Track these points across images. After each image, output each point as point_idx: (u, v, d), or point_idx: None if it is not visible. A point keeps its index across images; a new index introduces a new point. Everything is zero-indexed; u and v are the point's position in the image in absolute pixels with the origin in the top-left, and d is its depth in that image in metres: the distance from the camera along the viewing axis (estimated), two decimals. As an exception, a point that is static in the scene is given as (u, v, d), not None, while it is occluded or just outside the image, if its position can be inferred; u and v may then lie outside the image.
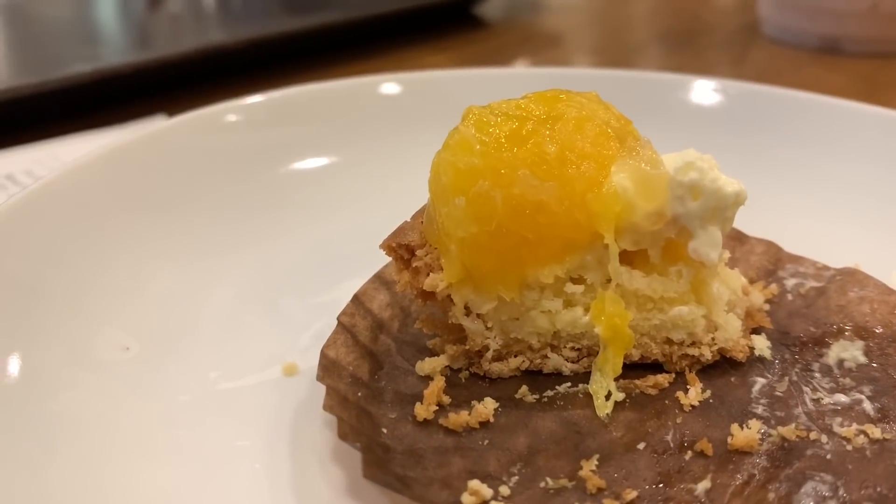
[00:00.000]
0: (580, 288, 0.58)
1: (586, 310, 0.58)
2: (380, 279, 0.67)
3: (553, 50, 1.51)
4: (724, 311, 0.59)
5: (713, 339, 0.59)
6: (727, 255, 0.62)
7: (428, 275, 0.57)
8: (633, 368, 0.59)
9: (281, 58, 1.36)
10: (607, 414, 0.55)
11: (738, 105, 0.95)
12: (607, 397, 0.56)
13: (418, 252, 0.58)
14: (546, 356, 0.60)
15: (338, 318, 0.61)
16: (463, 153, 0.55)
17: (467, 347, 0.59)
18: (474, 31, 1.59)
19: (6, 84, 1.09)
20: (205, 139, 0.88)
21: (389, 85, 1.00)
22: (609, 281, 0.57)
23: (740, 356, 0.59)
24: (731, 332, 0.59)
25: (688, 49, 1.45)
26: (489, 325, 0.59)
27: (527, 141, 0.55)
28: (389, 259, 0.60)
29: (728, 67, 1.37)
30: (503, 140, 0.55)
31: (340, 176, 0.89)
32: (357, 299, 0.64)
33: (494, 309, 0.58)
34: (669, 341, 0.59)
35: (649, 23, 1.74)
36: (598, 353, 0.58)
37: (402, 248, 0.58)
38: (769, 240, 0.72)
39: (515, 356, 0.60)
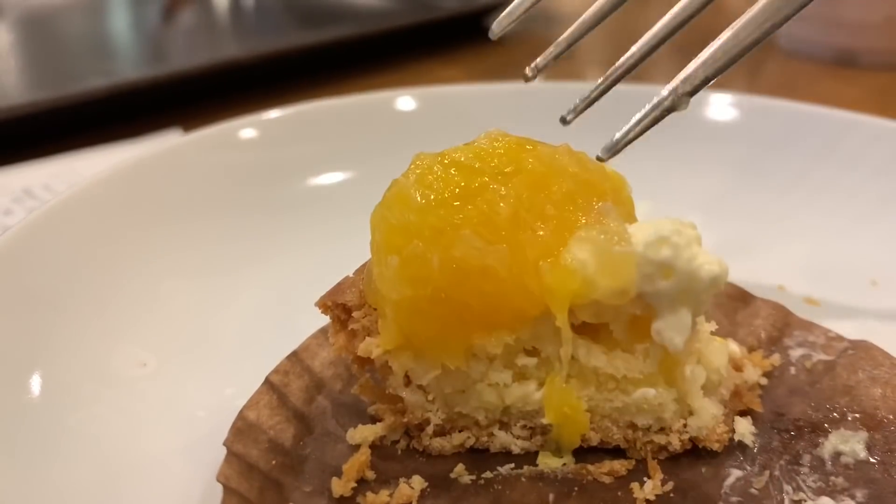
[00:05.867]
0: (533, 361, 0.51)
1: (540, 384, 0.52)
2: (325, 334, 0.60)
3: (565, 63, 1.51)
4: (699, 395, 0.52)
5: (685, 425, 0.52)
6: (712, 326, 0.54)
7: (364, 338, 0.52)
8: (593, 451, 0.53)
9: (294, 71, 1.35)
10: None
11: (753, 119, 0.94)
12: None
13: (355, 313, 0.52)
14: (493, 434, 0.54)
15: (266, 377, 0.56)
16: (399, 208, 0.49)
17: (405, 420, 0.54)
18: (486, 44, 1.59)
19: (23, 99, 1.11)
20: (221, 155, 0.88)
21: (405, 99, 0.99)
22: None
23: (716, 446, 0.52)
24: (705, 420, 0.51)
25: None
26: (430, 397, 0.53)
27: (476, 196, 0.49)
28: None
29: (743, 80, 1.35)
30: (447, 195, 0.49)
31: (357, 191, 0.89)
32: (295, 356, 0.59)
33: (437, 379, 0.52)
34: (633, 426, 0.52)
35: (662, 35, 1.73)
36: (552, 430, 0.52)
37: (338, 308, 0.53)
38: (778, 302, 0.63)
39: (460, 431, 0.54)
